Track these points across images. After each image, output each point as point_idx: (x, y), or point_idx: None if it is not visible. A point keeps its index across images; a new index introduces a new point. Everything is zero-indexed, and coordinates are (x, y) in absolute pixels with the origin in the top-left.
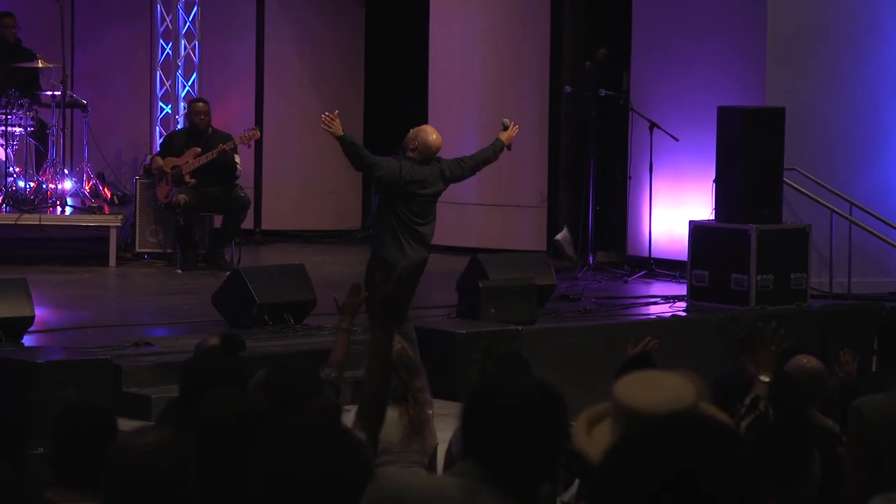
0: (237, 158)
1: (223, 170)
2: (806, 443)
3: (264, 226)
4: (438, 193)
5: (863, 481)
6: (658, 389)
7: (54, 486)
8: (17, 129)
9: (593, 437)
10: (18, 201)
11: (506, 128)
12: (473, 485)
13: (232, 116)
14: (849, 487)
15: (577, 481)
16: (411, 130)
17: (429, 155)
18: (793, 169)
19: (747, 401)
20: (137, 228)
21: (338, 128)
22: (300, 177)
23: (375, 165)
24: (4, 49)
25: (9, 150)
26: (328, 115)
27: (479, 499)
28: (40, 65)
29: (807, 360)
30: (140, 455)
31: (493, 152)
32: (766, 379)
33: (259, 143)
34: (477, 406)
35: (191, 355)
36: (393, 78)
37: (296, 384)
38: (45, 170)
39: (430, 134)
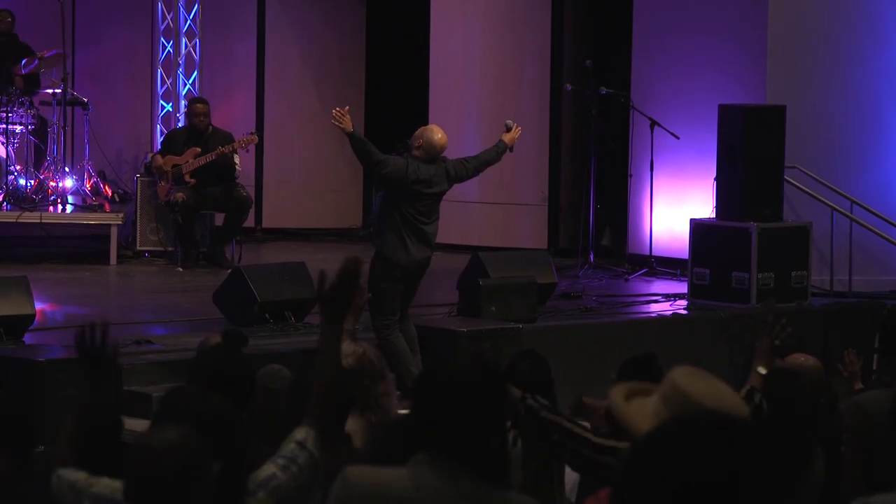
0: (236, 159)
1: (223, 170)
2: (807, 441)
3: (265, 224)
4: (443, 193)
5: (862, 478)
6: (712, 385)
7: None
8: (18, 127)
9: (632, 406)
10: (19, 199)
11: (508, 129)
12: (439, 472)
13: (233, 115)
14: (848, 484)
15: (572, 475)
16: (418, 129)
17: (433, 154)
18: (794, 167)
19: (742, 393)
20: (138, 226)
21: (348, 124)
22: (301, 175)
23: (383, 163)
24: (2, 45)
25: (9, 148)
26: (339, 111)
27: (454, 483)
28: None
29: (804, 359)
30: (155, 453)
31: (497, 153)
32: (763, 371)
33: (260, 142)
34: (420, 391)
35: (193, 354)
36: (393, 77)
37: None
38: (46, 168)
39: (436, 133)
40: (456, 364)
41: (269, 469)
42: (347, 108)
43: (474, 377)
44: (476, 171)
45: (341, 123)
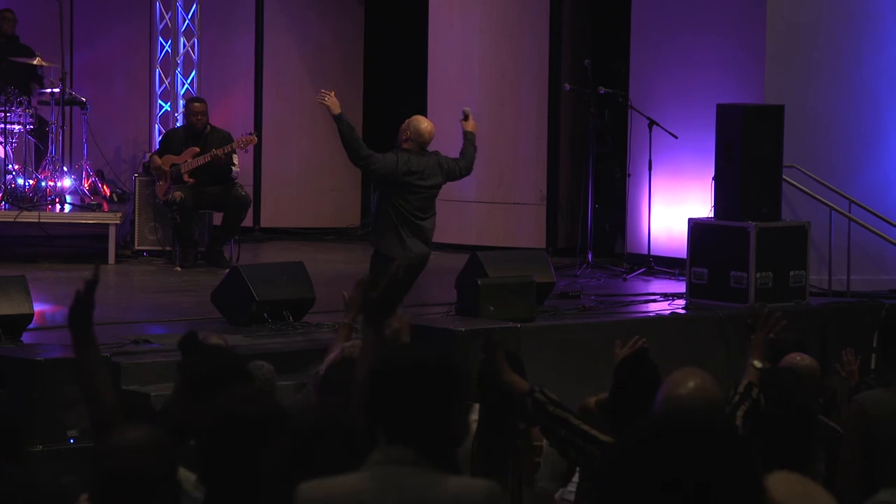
0: (235, 160)
1: (221, 169)
2: (810, 440)
3: (263, 223)
4: (438, 186)
5: (860, 477)
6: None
7: None
8: (17, 127)
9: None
10: (18, 199)
11: (466, 117)
12: (390, 470)
13: (231, 114)
14: (845, 483)
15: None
16: (404, 122)
17: (422, 142)
18: (792, 166)
19: (740, 388)
20: (137, 226)
21: (334, 104)
22: (299, 174)
23: (370, 158)
24: (2, 43)
25: (8, 148)
26: (324, 91)
27: (403, 478)
28: (38, 62)
29: (800, 359)
30: (122, 452)
31: (472, 146)
32: (758, 364)
33: (259, 141)
34: (377, 383)
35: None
36: (392, 76)
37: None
38: (44, 167)
39: (422, 122)
40: (415, 354)
41: None
42: (334, 91)
43: (433, 365)
44: (468, 170)
45: (325, 101)
